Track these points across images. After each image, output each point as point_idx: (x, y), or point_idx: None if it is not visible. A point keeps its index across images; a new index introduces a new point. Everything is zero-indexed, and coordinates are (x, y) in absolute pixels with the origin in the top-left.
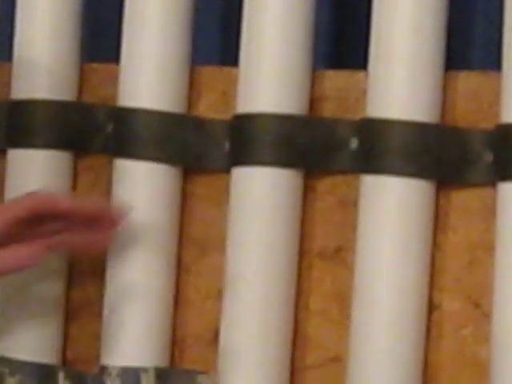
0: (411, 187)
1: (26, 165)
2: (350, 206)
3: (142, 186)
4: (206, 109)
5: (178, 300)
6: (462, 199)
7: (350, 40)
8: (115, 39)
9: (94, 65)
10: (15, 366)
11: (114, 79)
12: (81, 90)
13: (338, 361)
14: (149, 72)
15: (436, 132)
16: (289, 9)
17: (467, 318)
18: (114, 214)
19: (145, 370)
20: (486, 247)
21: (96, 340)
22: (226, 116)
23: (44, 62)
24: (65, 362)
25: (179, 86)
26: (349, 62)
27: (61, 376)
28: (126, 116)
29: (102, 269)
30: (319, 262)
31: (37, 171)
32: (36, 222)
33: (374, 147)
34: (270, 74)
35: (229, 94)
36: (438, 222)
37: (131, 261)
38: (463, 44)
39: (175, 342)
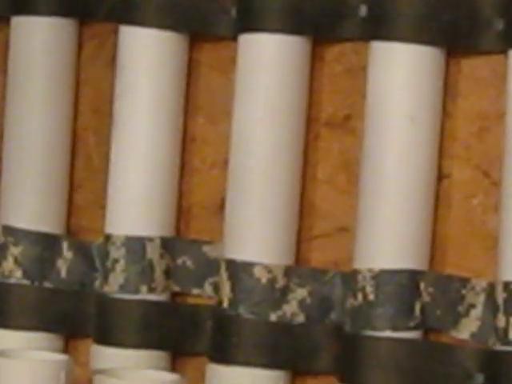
0: (421, 54)
1: (30, 33)
2: (358, 73)
3: (147, 54)
4: None
5: (184, 170)
6: (473, 67)
7: None
8: None
9: None
10: (19, 235)
11: None
12: None
13: (346, 230)
14: None
15: None
16: None
17: (476, 187)
18: None
19: (150, 239)
20: (497, 115)
21: (101, 209)
22: None
23: None
24: (69, 231)
25: None
26: None
27: (65, 245)
28: None
29: (108, 137)
30: (327, 130)
31: (40, 39)
32: None
33: (384, 14)
34: None
35: None
36: (448, 90)
37: (136, 130)
38: None
39: (181, 211)
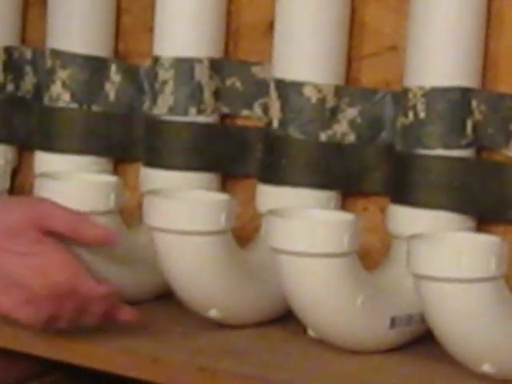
0: None
1: None
2: None
3: None
4: None
5: None
6: None
7: None
8: None
9: None
10: (67, 58)
11: None
12: None
13: (396, 49)
14: None
15: None
16: None
17: None
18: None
19: (199, 60)
20: None
21: (148, 32)
22: None
23: None
24: (117, 55)
25: None
26: None
27: (113, 68)
28: None
29: None
30: None
31: None
32: None
33: None
34: None
35: None
36: None
37: None
38: None
39: (229, 32)
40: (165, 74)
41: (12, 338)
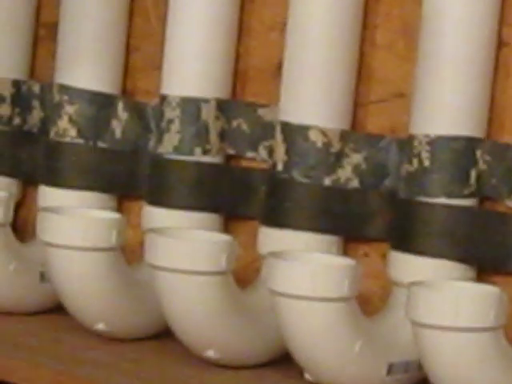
0: None
1: None
2: None
3: None
4: None
5: (242, 30)
6: None
7: None
8: None
9: None
10: (74, 93)
11: None
12: None
13: (403, 96)
14: None
15: None
16: None
17: None
18: None
19: (205, 100)
20: None
21: (156, 70)
22: None
23: None
24: (124, 92)
25: None
26: None
27: (120, 106)
28: None
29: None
30: None
31: None
32: None
33: None
34: None
35: None
36: None
37: None
38: None
39: (237, 74)
40: (171, 112)
41: None
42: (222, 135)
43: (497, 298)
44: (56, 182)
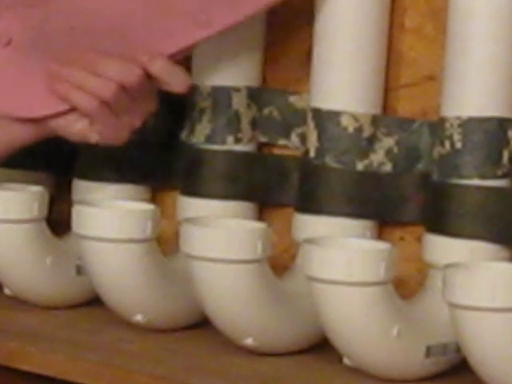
0: None
1: None
2: None
3: None
4: None
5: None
6: None
7: None
8: None
9: None
10: None
11: None
12: None
13: (433, 79)
14: None
15: None
16: None
17: None
18: None
19: (236, 89)
20: None
21: (188, 60)
22: None
23: None
24: None
25: None
26: None
27: None
28: None
29: None
30: None
31: None
32: None
33: None
34: None
35: None
36: None
37: None
38: None
39: (267, 62)
40: (202, 102)
41: None
42: (254, 123)
43: None
44: (89, 175)
